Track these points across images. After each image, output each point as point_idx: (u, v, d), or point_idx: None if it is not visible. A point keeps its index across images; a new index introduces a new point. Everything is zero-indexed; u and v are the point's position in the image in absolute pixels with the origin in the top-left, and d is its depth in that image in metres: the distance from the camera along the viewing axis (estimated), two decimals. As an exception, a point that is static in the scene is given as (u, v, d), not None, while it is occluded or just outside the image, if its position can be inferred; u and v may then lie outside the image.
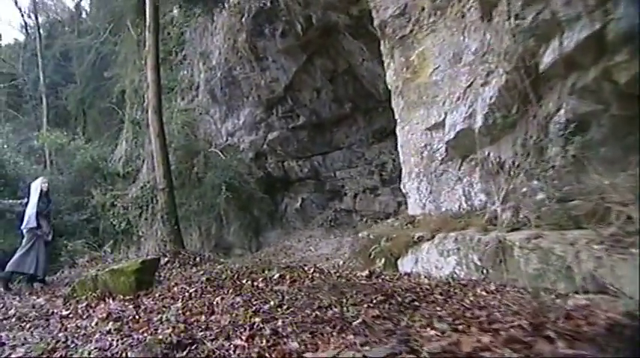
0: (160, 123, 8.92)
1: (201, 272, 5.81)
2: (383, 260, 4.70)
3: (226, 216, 12.94)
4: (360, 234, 5.55)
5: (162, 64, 16.26)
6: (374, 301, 3.19)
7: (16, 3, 36.20)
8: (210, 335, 2.81)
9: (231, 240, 13.82)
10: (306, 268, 5.10)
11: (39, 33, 26.46)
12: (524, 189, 3.82)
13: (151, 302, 4.10)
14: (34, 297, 5.85)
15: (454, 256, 3.98)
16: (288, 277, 4.42)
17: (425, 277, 4.08)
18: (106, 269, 4.93)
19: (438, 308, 2.95)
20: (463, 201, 4.75)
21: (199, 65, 14.36)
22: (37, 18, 27.68)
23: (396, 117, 6.07)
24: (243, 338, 2.65)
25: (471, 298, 3.14)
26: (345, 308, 3.03)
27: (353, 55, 11.67)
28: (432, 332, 2.43)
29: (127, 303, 4.20)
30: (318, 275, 4.59)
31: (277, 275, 4.47)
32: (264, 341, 2.56)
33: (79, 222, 17.44)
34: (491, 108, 4.25)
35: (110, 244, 11.65)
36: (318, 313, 2.98)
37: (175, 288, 4.61)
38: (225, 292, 4.06)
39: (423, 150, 5.27)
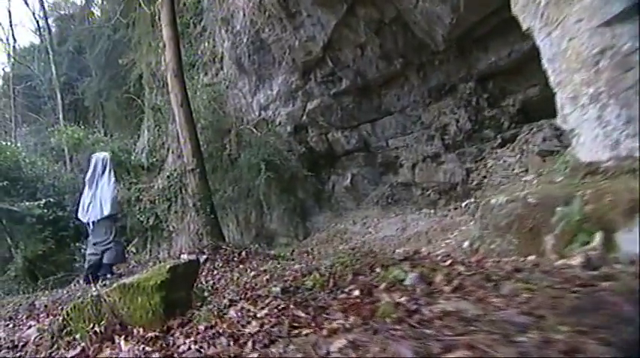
0: (182, 89, 7.27)
1: (262, 274, 4.09)
2: (579, 236, 2.82)
3: (267, 200, 11.28)
4: (493, 201, 3.69)
5: (179, 37, 14.76)
6: None
7: (26, 4, 34.97)
8: None
9: (274, 227, 12.17)
10: (436, 258, 3.31)
11: (48, 28, 25.31)
12: None
13: (194, 345, 2.33)
14: (32, 322, 4.19)
15: None
16: (440, 280, 2.57)
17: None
18: (115, 285, 3.05)
19: None
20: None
21: (221, 33, 12.63)
22: (45, 14, 26.37)
23: (529, 23, 4.18)
24: None
25: None
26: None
27: (404, -4, 9.73)
28: None
29: (149, 347, 2.44)
30: (476, 275, 2.68)
31: (414, 278, 2.64)
32: None
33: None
34: None
35: (135, 243, 10.07)
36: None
37: (232, 311, 2.82)
38: (341, 322, 2.21)
39: (599, 57, 3.37)
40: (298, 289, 3.08)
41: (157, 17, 14.77)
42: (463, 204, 9.58)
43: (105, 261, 6.25)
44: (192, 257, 6.27)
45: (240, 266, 6.06)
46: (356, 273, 3.05)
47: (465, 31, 9.48)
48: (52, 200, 14.41)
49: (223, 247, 6.62)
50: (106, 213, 6.19)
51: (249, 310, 2.83)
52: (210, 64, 13.28)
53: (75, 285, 6.78)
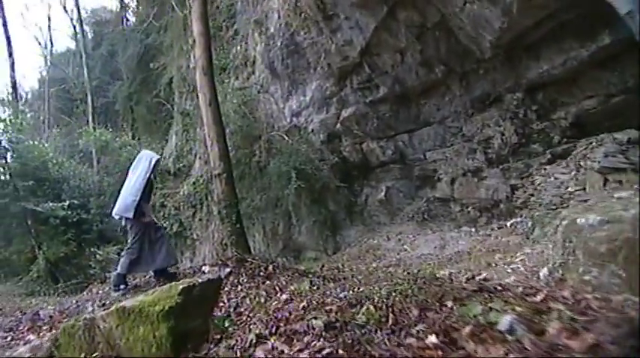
0: (212, 88, 6.77)
1: (296, 298, 3.50)
2: None
3: (296, 211, 10.70)
4: (581, 221, 3.00)
5: (211, 40, 14.44)
6: None
7: (65, 10, 35.66)
8: None
9: (302, 240, 11.57)
10: (516, 289, 2.64)
11: (82, 33, 25.62)
12: None
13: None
14: (32, 336, 3.68)
15: None
16: (558, 330, 1.89)
17: None
18: (112, 309, 2.42)
19: None
20: None
21: (254, 36, 12.22)
22: (80, 19, 26.66)
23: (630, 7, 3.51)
24: None
25: None
26: None
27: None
28: None
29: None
30: (596, 323, 1.98)
31: (512, 323, 1.97)
32: None
33: (127, 225, 15.84)
34: None
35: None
36: None
37: (260, 352, 2.19)
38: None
39: None
40: (347, 325, 2.46)
41: (189, 20, 14.55)
42: (508, 223, 8.84)
43: (118, 269, 5.71)
44: (215, 270, 5.74)
45: (267, 282, 5.49)
46: (422, 308, 2.42)
47: (516, 36, 8.80)
48: (76, 202, 14.18)
49: (249, 260, 6.04)
50: (119, 212, 5.67)
51: (282, 351, 2.24)
52: (242, 68, 12.87)
53: (88, 293, 6.27)
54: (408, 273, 3.73)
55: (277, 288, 5.03)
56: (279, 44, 11.32)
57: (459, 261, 6.92)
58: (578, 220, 3.11)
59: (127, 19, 28.20)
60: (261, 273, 5.79)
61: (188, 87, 15.84)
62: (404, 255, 8.69)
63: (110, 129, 18.11)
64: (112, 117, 24.85)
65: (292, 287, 4.99)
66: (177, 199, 14.47)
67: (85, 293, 6.46)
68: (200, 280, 2.75)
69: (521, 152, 9.81)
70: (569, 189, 7.87)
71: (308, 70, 11.20)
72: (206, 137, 7.00)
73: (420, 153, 11.11)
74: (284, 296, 3.80)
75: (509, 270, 3.68)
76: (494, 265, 4.13)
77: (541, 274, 3.23)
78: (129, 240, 5.75)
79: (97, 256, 8.84)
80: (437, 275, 3.40)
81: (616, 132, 8.23)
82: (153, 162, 5.89)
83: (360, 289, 3.34)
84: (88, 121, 21.29)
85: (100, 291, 6.04)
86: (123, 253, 5.86)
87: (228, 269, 5.68)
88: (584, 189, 7.54)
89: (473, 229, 9.41)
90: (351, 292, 3.30)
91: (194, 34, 7.47)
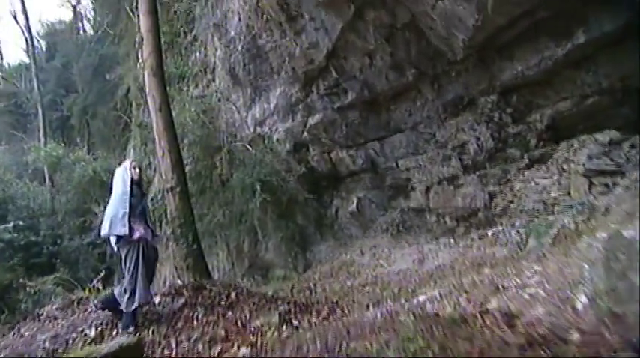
0: (162, 90, 6.08)
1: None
2: None
3: (262, 226, 9.93)
4: (629, 234, 2.33)
5: (169, 49, 13.60)
6: None
7: (16, 20, 33.59)
8: None
9: (269, 257, 10.79)
10: (571, 338, 1.98)
11: (32, 43, 24.29)
12: None
13: None
14: None
15: None
16: None
17: None
18: None
19: None
20: None
21: (214, 40, 11.50)
22: (29, 29, 25.23)
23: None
24: None
25: None
26: None
27: (419, -2, 8.65)
28: None
29: None
30: None
31: None
32: None
33: (83, 247, 14.79)
34: None
35: (102, 277, 8.52)
36: None
37: None
38: None
39: None
40: None
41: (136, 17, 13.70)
42: (489, 233, 8.31)
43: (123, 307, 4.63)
44: (167, 301, 4.94)
45: (229, 314, 4.73)
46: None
47: (489, 36, 8.38)
48: (22, 223, 12.98)
49: (207, 287, 5.25)
50: (103, 232, 4.73)
51: None
52: (202, 76, 12.10)
53: (15, 334, 5.26)
54: (414, 316, 2.96)
55: (240, 324, 4.28)
56: (239, 48, 10.63)
57: (443, 277, 6.31)
58: (625, 233, 2.45)
59: (84, 30, 27.04)
60: (222, 303, 5.03)
61: (146, 98, 14.92)
62: (380, 272, 8.06)
63: (63, 144, 16.92)
64: (68, 132, 23.62)
65: (258, 322, 4.26)
66: (135, 217, 13.45)
67: (12, 333, 5.39)
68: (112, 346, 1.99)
69: (497, 157, 9.40)
70: (552, 194, 7.42)
71: (271, 75, 10.52)
72: (157, 145, 6.20)
73: (392, 162, 10.54)
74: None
75: (526, 296, 3.00)
76: (502, 288, 3.45)
77: (579, 305, 2.53)
78: (125, 266, 4.77)
79: (27, 288, 7.72)
80: (454, 318, 2.62)
81: (593, 133, 7.87)
82: (129, 174, 4.99)
83: (351, 345, 2.57)
84: (39, 137, 19.97)
85: (28, 333, 5.07)
86: (120, 284, 4.89)
87: (182, 300, 4.88)
88: (569, 193, 7.08)
89: (451, 240, 8.85)
90: (337, 351, 2.53)
91: (141, 31, 6.65)
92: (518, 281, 3.34)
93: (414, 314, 2.92)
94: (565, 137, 8.59)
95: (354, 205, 10.60)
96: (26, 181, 16.83)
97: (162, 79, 6.17)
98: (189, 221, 5.85)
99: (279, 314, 4.88)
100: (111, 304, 4.69)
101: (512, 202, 8.71)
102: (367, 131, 10.51)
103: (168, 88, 13.02)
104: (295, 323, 4.52)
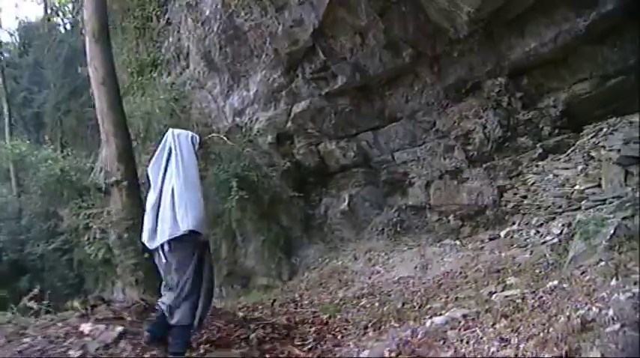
0: (106, 59, 4.93)
1: None
2: None
3: (241, 229, 8.77)
4: None
5: (140, 36, 12.42)
6: None
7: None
8: None
9: (250, 264, 9.63)
10: None
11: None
12: None
13: None
14: None
15: None
16: None
17: None
18: None
19: None
20: None
21: (188, 22, 10.31)
22: None
23: None
24: None
25: None
26: None
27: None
28: None
29: None
30: None
31: None
32: None
33: (49, 253, 13.54)
34: None
35: (35, 295, 7.11)
36: None
37: None
38: None
39: None
40: None
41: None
42: (502, 233, 7.23)
43: (173, 320, 3.39)
44: (100, 330, 3.75)
45: None
46: None
47: (499, 6, 7.29)
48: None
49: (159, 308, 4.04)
50: (184, 227, 3.40)
51: None
52: (175, 62, 10.92)
53: None
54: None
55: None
56: (215, 29, 9.48)
57: (455, 288, 5.20)
58: None
59: (57, 24, 25.72)
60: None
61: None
62: (377, 280, 6.94)
63: (29, 141, 15.65)
64: (41, 130, 22.42)
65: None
66: (105, 220, 12.18)
67: None
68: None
69: (507, 148, 8.40)
70: (577, 186, 6.32)
71: (251, 58, 9.37)
72: (100, 127, 5.00)
73: (388, 154, 9.48)
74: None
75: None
76: (569, 312, 2.30)
77: None
78: (182, 276, 3.45)
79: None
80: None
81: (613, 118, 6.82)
82: (193, 144, 3.74)
83: None
84: (4, 134, 18.69)
85: None
86: (176, 296, 3.53)
87: (119, 329, 3.66)
88: (599, 185, 6.00)
89: (457, 242, 7.78)
90: None
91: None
92: (501, 280, 2.21)
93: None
94: (581, 124, 7.58)
95: (346, 204, 9.48)
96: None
97: (108, 45, 5.01)
98: (140, 222, 4.64)
99: (250, 345, 3.73)
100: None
101: (525, 197, 7.67)
102: (359, 120, 9.41)
103: (139, 78, 11.98)
104: (269, 360, 3.36)
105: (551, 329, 2.28)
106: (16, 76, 23.75)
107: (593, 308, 2.23)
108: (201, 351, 3.44)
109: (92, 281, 13.46)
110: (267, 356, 3.47)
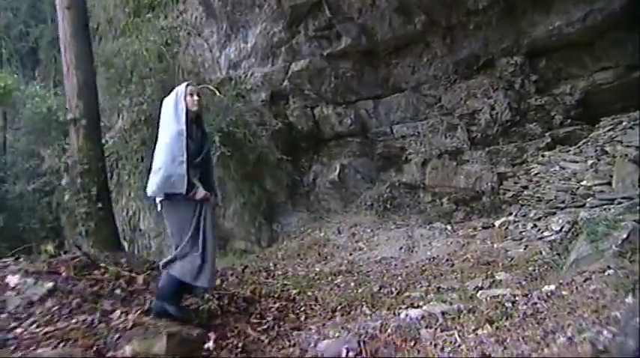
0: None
1: None
2: None
3: (221, 188, 8.22)
4: None
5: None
6: None
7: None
8: None
9: (229, 226, 9.13)
10: None
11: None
12: None
13: None
14: None
15: None
16: None
17: None
18: None
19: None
20: None
21: (188, -39, 9.53)
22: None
23: None
24: None
25: None
26: None
27: None
28: None
29: None
30: None
31: None
32: None
33: (29, 193, 13.06)
34: None
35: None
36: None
37: None
38: None
39: None
40: None
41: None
42: (497, 223, 6.76)
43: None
44: (26, 283, 3.29)
45: (116, 313, 3.09)
46: None
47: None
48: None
49: (103, 265, 3.59)
50: (150, 190, 3.12)
51: None
52: (172, 5, 10.16)
53: None
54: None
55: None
56: (217, -28, 8.74)
57: (439, 276, 4.75)
58: None
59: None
60: (117, 292, 3.38)
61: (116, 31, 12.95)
62: (358, 257, 6.48)
63: (16, 76, 14.93)
64: (37, 67, 21.63)
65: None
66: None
67: None
68: None
69: (513, 132, 7.90)
70: (585, 182, 5.81)
71: (252, 8, 8.65)
72: (62, 59, 4.45)
73: (386, 126, 8.91)
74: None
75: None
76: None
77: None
78: (178, 231, 3.28)
79: None
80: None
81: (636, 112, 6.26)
82: (182, 94, 3.32)
83: None
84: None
85: None
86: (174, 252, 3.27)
87: (49, 285, 3.19)
88: (609, 183, 5.49)
89: (448, 226, 7.31)
90: None
91: None
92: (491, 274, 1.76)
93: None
94: (596, 116, 7.04)
95: (336, 173, 8.92)
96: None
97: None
98: (96, 167, 4.17)
99: (199, 317, 3.28)
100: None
101: (526, 188, 7.17)
102: (360, 87, 8.79)
103: (135, 19, 11.25)
104: (211, 340, 2.90)
105: (546, 350, 1.80)
106: (14, 8, 22.81)
107: (605, 333, 1.78)
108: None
109: (69, 226, 13.01)
110: (211, 332, 3.00)
